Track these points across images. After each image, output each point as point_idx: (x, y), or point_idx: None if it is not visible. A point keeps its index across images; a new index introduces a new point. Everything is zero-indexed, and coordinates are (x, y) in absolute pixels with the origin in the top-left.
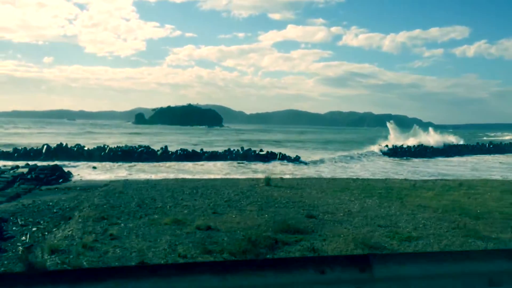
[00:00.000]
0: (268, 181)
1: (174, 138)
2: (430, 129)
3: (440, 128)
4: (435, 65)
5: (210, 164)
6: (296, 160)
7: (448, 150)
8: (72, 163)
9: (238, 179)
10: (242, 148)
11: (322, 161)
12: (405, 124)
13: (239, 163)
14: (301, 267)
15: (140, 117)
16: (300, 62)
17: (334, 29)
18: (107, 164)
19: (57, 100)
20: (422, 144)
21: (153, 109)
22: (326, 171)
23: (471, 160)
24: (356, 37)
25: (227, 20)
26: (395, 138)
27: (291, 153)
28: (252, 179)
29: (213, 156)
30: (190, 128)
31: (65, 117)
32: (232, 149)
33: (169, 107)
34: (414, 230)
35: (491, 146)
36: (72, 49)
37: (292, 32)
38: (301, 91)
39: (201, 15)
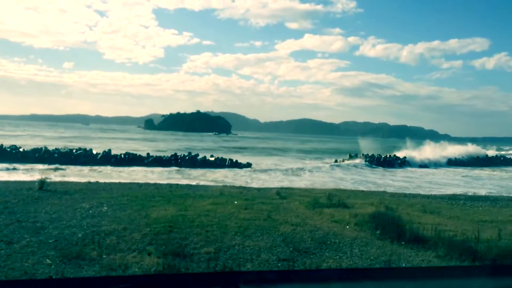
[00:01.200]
0: (41, 184)
1: (159, 144)
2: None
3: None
4: (454, 77)
5: (140, 169)
6: (247, 167)
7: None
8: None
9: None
10: (189, 153)
11: (273, 170)
12: (421, 135)
13: (178, 169)
14: None
15: (149, 123)
16: (316, 71)
17: (351, 39)
18: (36, 166)
19: (75, 104)
20: (405, 157)
21: (163, 115)
22: (242, 179)
23: (437, 172)
24: (373, 48)
25: (244, 28)
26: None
27: (256, 161)
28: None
29: (157, 161)
30: (194, 134)
31: (81, 122)
32: (179, 154)
33: (178, 114)
34: None
35: (483, 158)
36: (92, 55)
37: (309, 41)
38: (317, 100)
39: (218, 23)
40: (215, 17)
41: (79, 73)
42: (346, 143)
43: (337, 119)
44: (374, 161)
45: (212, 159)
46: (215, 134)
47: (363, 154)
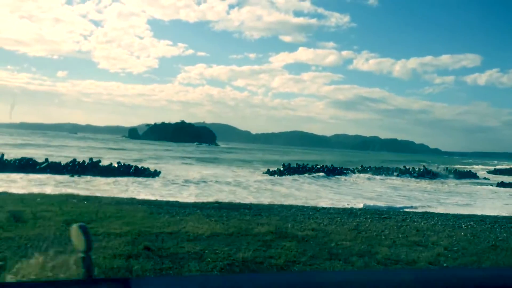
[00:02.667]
0: None
1: (123, 154)
2: None
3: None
4: (446, 92)
5: (16, 176)
6: (153, 176)
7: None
8: None
9: None
10: (90, 159)
11: (171, 180)
12: (411, 149)
13: (68, 177)
14: None
15: (133, 132)
16: (310, 84)
17: (345, 53)
18: None
19: (68, 113)
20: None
21: (147, 125)
22: (125, 189)
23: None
24: (367, 62)
25: (238, 40)
26: None
27: (185, 169)
28: None
29: (51, 167)
30: (174, 144)
31: (70, 131)
32: (78, 160)
33: (163, 123)
34: None
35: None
36: (86, 64)
37: (303, 54)
38: (310, 113)
39: (213, 35)
40: (210, 29)
41: (72, 82)
42: (325, 155)
43: (329, 132)
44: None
45: (115, 166)
46: (196, 144)
47: (283, 164)
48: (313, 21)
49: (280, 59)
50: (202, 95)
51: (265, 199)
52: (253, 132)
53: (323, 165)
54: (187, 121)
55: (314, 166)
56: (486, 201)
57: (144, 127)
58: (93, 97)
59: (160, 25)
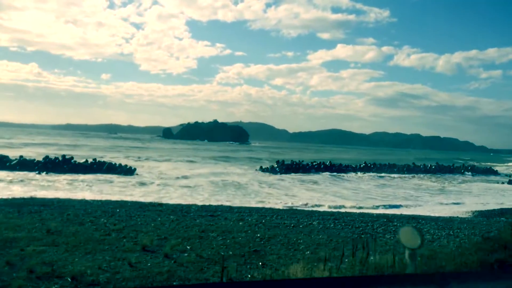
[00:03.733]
0: None
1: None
2: None
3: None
4: (493, 87)
5: None
6: (127, 173)
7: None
8: None
9: None
10: (63, 156)
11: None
12: (454, 147)
13: (38, 173)
14: None
15: (167, 132)
16: (349, 81)
17: (385, 48)
18: None
19: (111, 115)
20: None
21: (181, 124)
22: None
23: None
24: (408, 57)
25: (276, 39)
26: None
27: (182, 166)
28: None
29: (21, 164)
30: (202, 143)
31: (111, 131)
32: (51, 157)
33: (196, 123)
34: None
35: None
36: (128, 66)
37: (342, 51)
38: (350, 111)
39: (250, 34)
40: (247, 28)
41: (115, 84)
42: (359, 153)
43: (368, 130)
44: (284, 169)
45: (87, 162)
46: (228, 143)
47: (277, 161)
48: (352, 17)
49: (318, 56)
50: (240, 94)
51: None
52: (290, 131)
53: (320, 162)
54: (224, 120)
55: (311, 164)
56: (470, 199)
57: (179, 127)
58: (135, 98)
59: (198, 26)
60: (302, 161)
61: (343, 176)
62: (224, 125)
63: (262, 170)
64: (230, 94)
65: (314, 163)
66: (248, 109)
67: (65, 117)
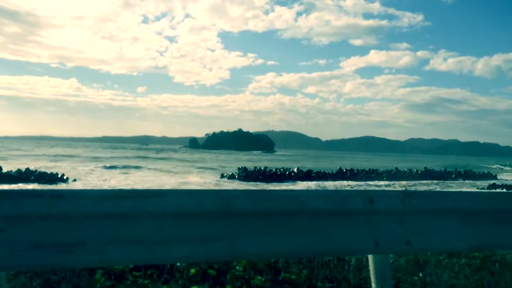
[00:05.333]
0: None
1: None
2: None
3: None
4: None
5: None
6: (54, 182)
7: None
8: None
9: None
10: None
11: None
12: (495, 152)
13: None
14: None
15: (193, 142)
16: (384, 87)
17: (420, 53)
18: None
19: (147, 126)
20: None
21: (207, 134)
22: None
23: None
24: (445, 61)
25: (307, 47)
26: None
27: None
28: None
29: None
30: (224, 151)
31: (144, 142)
32: None
33: (221, 132)
34: None
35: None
36: (163, 79)
37: (375, 57)
38: (385, 117)
39: (282, 43)
40: (278, 37)
41: (151, 96)
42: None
43: (403, 137)
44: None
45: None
46: (251, 152)
47: (239, 168)
48: (384, 22)
49: (351, 63)
50: (273, 103)
51: None
52: (323, 139)
53: (292, 171)
54: (257, 130)
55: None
56: None
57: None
58: (170, 110)
59: (230, 37)
60: (281, 168)
61: (319, 184)
62: (249, 134)
63: (225, 177)
64: (263, 103)
65: (291, 171)
66: (282, 118)
67: (102, 130)
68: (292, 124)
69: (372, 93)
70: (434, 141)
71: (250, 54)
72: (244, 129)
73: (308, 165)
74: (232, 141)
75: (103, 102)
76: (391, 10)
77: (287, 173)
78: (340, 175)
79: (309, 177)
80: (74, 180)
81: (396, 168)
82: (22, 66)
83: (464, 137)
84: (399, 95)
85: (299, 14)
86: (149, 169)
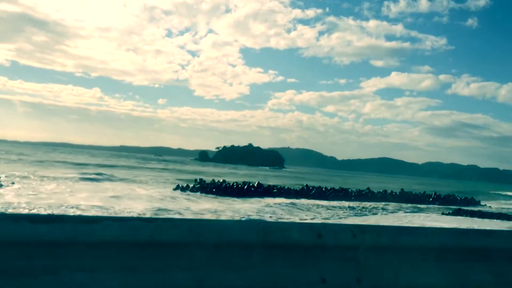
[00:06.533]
0: None
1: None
2: None
3: None
4: None
5: None
6: None
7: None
8: None
9: None
10: None
11: None
12: None
13: None
14: None
15: (203, 155)
16: (404, 110)
17: (442, 76)
18: None
19: (165, 138)
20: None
21: (217, 148)
22: None
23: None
24: (467, 86)
25: (328, 66)
26: None
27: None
28: None
29: None
30: (231, 166)
31: (160, 153)
32: None
33: (232, 146)
34: None
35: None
36: (183, 91)
37: (396, 79)
38: (404, 139)
39: (302, 62)
40: (299, 55)
41: (171, 108)
42: (388, 183)
43: (421, 160)
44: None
45: None
46: (259, 167)
47: (195, 180)
48: (406, 44)
49: (371, 84)
50: (291, 121)
51: None
52: (339, 158)
53: (252, 185)
54: (273, 146)
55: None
56: None
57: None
58: (188, 123)
59: (252, 53)
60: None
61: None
62: (258, 149)
63: (178, 188)
64: (282, 120)
65: (250, 185)
66: (299, 135)
67: (121, 139)
68: (309, 142)
69: (392, 115)
70: (452, 165)
71: (270, 71)
72: (262, 145)
73: (309, 182)
74: (242, 155)
75: (124, 112)
76: (414, 33)
77: (245, 187)
78: (305, 192)
79: (269, 193)
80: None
81: (368, 188)
82: (47, 74)
83: (483, 163)
84: (420, 117)
85: (321, 33)
86: (121, 179)
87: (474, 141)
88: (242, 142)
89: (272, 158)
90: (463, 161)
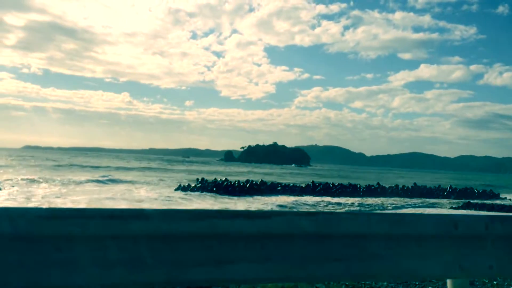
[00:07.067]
0: None
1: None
2: None
3: None
4: None
5: None
6: None
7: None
8: None
9: None
10: None
11: None
12: None
13: None
14: None
15: (229, 155)
16: (435, 102)
17: (473, 67)
18: None
19: (193, 139)
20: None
21: (242, 148)
22: None
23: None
24: (500, 75)
25: (354, 61)
26: None
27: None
28: None
29: None
30: (255, 165)
31: (188, 155)
32: None
33: (257, 146)
34: None
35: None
36: (210, 93)
37: (425, 71)
38: (435, 133)
39: (328, 58)
40: (324, 51)
41: (198, 110)
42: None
43: (453, 153)
44: (209, 188)
45: None
46: (282, 166)
47: (197, 179)
48: (435, 35)
49: (399, 77)
50: (319, 118)
51: None
52: (368, 154)
53: (255, 183)
54: (301, 144)
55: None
56: None
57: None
58: (216, 124)
59: (276, 52)
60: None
61: (257, 199)
62: (283, 148)
63: (180, 188)
64: (309, 118)
65: (253, 183)
66: (327, 132)
67: (150, 142)
68: (337, 139)
69: (422, 108)
70: (486, 158)
71: (296, 69)
72: (289, 144)
73: (330, 179)
74: (267, 154)
75: (153, 115)
76: (442, 23)
77: (247, 186)
78: (310, 189)
79: (272, 191)
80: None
81: (378, 184)
82: (78, 81)
83: None
84: (451, 110)
85: (346, 28)
86: (129, 181)
87: (509, 133)
88: (269, 141)
89: (297, 156)
90: (498, 153)
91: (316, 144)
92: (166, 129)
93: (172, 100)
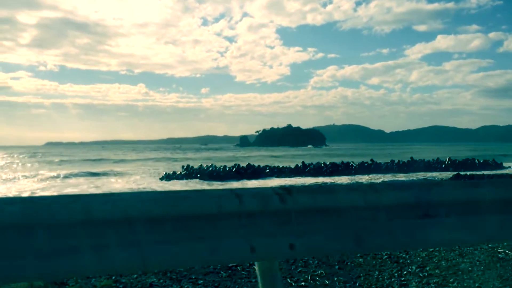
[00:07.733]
0: None
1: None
2: None
3: None
4: None
5: None
6: None
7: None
8: None
9: None
10: None
11: None
12: None
13: None
14: None
15: (244, 140)
16: (454, 74)
17: (492, 35)
18: None
19: (211, 126)
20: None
21: (257, 131)
22: None
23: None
24: None
25: (368, 37)
26: None
27: None
28: None
29: None
30: (272, 149)
31: (205, 142)
32: None
33: (271, 129)
34: None
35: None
36: (225, 79)
37: (443, 42)
38: (456, 105)
39: (342, 35)
40: (337, 29)
41: (214, 97)
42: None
43: (475, 124)
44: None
45: None
46: (298, 147)
47: (182, 166)
48: (450, 5)
49: (416, 51)
50: (336, 97)
51: None
52: (387, 130)
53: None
54: (319, 124)
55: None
56: None
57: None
58: (233, 109)
59: (288, 33)
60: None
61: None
62: (299, 129)
63: (164, 177)
64: (326, 98)
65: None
66: (345, 111)
67: (168, 131)
68: (355, 117)
69: (441, 81)
70: (509, 127)
71: (309, 49)
72: (306, 125)
73: (343, 158)
74: (282, 137)
75: (170, 105)
76: None
77: (233, 170)
78: (300, 170)
79: (259, 175)
80: None
81: (372, 160)
82: (94, 75)
83: None
84: (471, 80)
85: (358, 3)
86: (118, 173)
87: None
88: (287, 123)
89: (313, 136)
90: None
91: (334, 124)
92: (183, 118)
93: (188, 89)
